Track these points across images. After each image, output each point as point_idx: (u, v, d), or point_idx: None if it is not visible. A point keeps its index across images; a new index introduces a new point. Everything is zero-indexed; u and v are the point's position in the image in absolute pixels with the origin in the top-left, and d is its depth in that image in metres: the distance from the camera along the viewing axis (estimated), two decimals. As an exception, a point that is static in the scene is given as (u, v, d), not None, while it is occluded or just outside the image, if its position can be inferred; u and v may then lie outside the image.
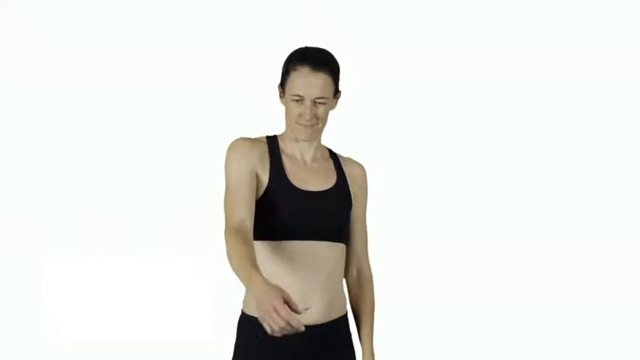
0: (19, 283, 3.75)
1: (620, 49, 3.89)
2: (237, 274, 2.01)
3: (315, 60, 2.22)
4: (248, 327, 2.27)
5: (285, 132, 2.32)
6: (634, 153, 3.91)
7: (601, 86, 3.89)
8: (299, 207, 2.23)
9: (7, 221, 3.78)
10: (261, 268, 2.20)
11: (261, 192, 2.23)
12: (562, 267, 3.87)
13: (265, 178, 2.24)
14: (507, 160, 3.89)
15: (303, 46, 2.28)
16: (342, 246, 2.31)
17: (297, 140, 2.29)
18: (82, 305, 3.75)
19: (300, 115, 2.23)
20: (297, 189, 2.25)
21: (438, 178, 3.85)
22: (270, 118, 2.34)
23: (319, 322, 2.25)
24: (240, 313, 2.31)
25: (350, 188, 2.35)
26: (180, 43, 3.77)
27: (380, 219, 3.69)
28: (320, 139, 2.34)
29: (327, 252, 2.25)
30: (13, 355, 3.69)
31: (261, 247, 2.23)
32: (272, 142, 2.31)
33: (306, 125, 2.24)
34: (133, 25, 3.77)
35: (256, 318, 2.22)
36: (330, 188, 2.30)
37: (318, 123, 2.25)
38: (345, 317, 2.35)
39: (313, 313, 2.23)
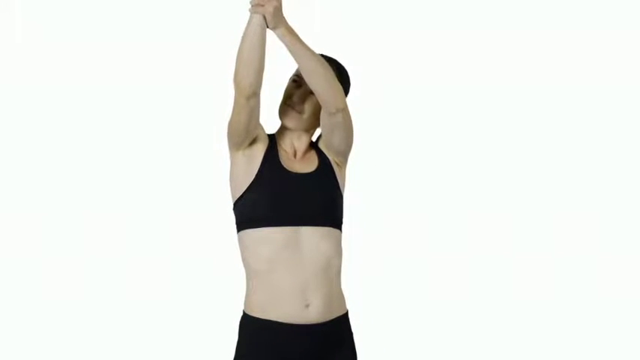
0: (19, 284, 3.77)
1: (620, 49, 3.90)
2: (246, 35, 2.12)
3: (329, 61, 2.28)
4: (249, 328, 2.28)
5: (280, 126, 2.36)
6: (634, 153, 3.92)
7: (603, 86, 3.91)
8: (287, 188, 2.26)
9: (7, 221, 3.79)
10: (253, 262, 2.24)
11: (254, 174, 2.26)
12: (561, 266, 3.88)
13: (260, 155, 2.27)
14: (506, 159, 3.90)
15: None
16: (335, 233, 2.30)
17: (285, 126, 2.33)
18: (81, 305, 3.76)
19: (289, 97, 2.30)
20: (287, 171, 2.28)
21: (437, 176, 3.86)
22: (269, 117, 2.34)
23: (320, 321, 2.25)
24: (241, 314, 2.32)
25: (333, 167, 2.35)
26: (178, 43, 3.76)
27: (379, 218, 3.73)
28: (309, 135, 2.36)
29: (318, 240, 2.25)
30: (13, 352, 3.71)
31: (252, 237, 2.25)
32: (270, 134, 2.37)
33: (290, 107, 2.30)
34: (133, 25, 3.77)
35: (258, 319, 2.24)
36: (314, 171, 2.31)
37: (303, 113, 2.29)
38: (345, 316, 2.35)
39: (313, 311, 2.24)
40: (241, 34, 2.14)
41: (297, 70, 2.32)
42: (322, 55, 2.29)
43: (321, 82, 2.18)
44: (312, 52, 2.16)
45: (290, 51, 2.15)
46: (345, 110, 2.24)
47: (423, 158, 3.82)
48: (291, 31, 2.13)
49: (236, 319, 2.33)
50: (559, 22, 3.90)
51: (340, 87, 2.23)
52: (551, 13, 3.90)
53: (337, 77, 2.26)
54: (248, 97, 2.15)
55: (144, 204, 3.78)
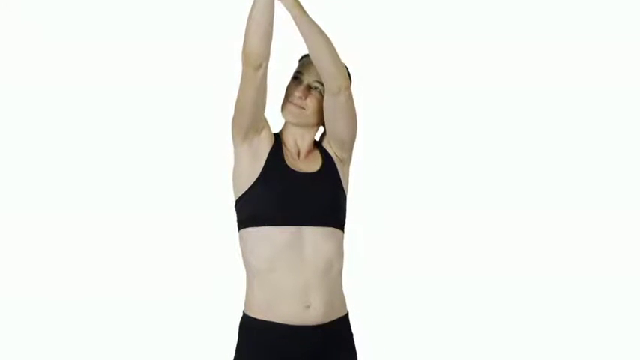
0: (20, 283, 3.77)
1: (620, 49, 3.90)
2: (255, 4, 2.12)
3: None
4: (249, 329, 2.27)
5: (283, 125, 2.36)
6: (634, 152, 3.93)
7: (603, 88, 3.91)
8: (291, 188, 2.25)
9: (8, 221, 3.79)
10: (255, 261, 2.23)
11: (258, 172, 2.26)
12: (562, 268, 3.88)
13: (265, 153, 2.27)
14: (509, 160, 3.90)
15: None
16: (338, 234, 2.30)
17: (288, 122, 2.33)
18: (81, 305, 3.76)
19: (292, 94, 2.29)
20: (291, 170, 2.27)
21: (439, 178, 3.86)
22: (269, 117, 2.34)
23: (320, 322, 2.25)
24: (241, 315, 2.31)
25: (337, 167, 2.35)
26: (178, 43, 3.77)
27: (380, 219, 3.73)
28: (312, 134, 2.36)
29: (321, 240, 2.25)
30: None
31: (253, 236, 2.24)
32: (274, 134, 2.37)
33: (292, 103, 2.28)
34: (135, 25, 3.77)
35: (258, 319, 2.24)
36: (317, 171, 2.31)
37: (305, 108, 2.28)
38: (345, 317, 2.34)
39: (314, 312, 2.23)
40: (242, 43, 2.14)
41: (299, 67, 2.33)
42: None
43: (325, 57, 2.17)
44: (319, 27, 2.17)
45: (296, 23, 2.15)
46: (348, 90, 2.23)
47: (426, 159, 3.83)
48: (299, 3, 2.14)
49: (236, 319, 2.33)
50: (559, 23, 3.90)
51: (344, 66, 2.23)
52: (551, 13, 3.90)
53: None
54: (256, 67, 2.14)
55: (144, 203, 3.79)
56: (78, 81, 3.80)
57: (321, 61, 2.18)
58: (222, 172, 2.39)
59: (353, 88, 2.33)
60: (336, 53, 2.19)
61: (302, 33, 2.16)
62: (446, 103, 3.87)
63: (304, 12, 2.15)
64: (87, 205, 3.80)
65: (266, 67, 2.17)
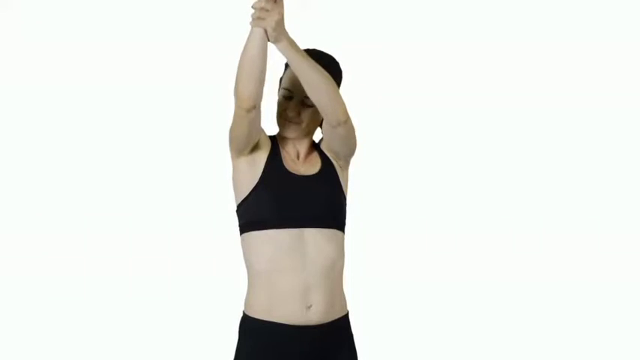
0: (22, 284, 3.77)
1: (620, 50, 3.90)
2: (247, 48, 2.09)
3: (320, 56, 2.25)
4: (250, 329, 2.27)
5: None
6: (633, 154, 3.93)
7: (601, 93, 3.92)
8: (292, 190, 2.25)
9: (8, 221, 3.79)
10: (256, 263, 2.23)
11: (257, 177, 2.25)
12: (561, 271, 3.89)
13: (263, 159, 2.26)
14: (507, 162, 3.90)
15: (309, 48, 2.28)
16: (339, 235, 2.30)
17: (283, 136, 2.32)
18: (82, 305, 3.76)
19: (284, 110, 2.28)
20: (291, 173, 2.27)
21: (439, 179, 3.86)
22: (269, 118, 2.34)
23: (321, 323, 2.25)
24: (242, 315, 2.31)
25: (336, 168, 2.35)
26: (180, 43, 3.78)
27: (381, 220, 3.73)
28: (310, 137, 2.35)
29: (323, 242, 2.25)
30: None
31: (256, 239, 2.24)
32: (272, 136, 2.36)
33: (287, 120, 2.28)
34: (136, 25, 3.77)
35: (258, 320, 2.24)
36: (317, 173, 2.31)
37: (301, 123, 2.28)
38: (346, 317, 2.35)
39: (314, 313, 2.24)
40: (242, 46, 2.11)
41: (286, 84, 2.30)
42: (313, 50, 2.28)
43: (323, 96, 2.15)
44: (315, 66, 2.13)
45: (291, 65, 2.13)
46: (347, 122, 2.22)
47: (425, 160, 3.83)
48: (293, 45, 2.10)
49: (236, 320, 2.33)
50: (553, 27, 3.91)
51: (342, 100, 2.20)
52: (544, 17, 3.91)
53: (327, 69, 2.20)
54: (248, 109, 2.13)
55: (145, 204, 3.79)
56: (78, 81, 3.80)
57: (319, 100, 2.16)
58: (224, 174, 2.39)
59: (352, 89, 2.33)
60: (333, 89, 2.17)
61: (298, 73, 2.13)
62: (445, 106, 3.87)
63: (298, 52, 2.11)
64: (89, 207, 3.80)
65: (259, 107, 2.15)
